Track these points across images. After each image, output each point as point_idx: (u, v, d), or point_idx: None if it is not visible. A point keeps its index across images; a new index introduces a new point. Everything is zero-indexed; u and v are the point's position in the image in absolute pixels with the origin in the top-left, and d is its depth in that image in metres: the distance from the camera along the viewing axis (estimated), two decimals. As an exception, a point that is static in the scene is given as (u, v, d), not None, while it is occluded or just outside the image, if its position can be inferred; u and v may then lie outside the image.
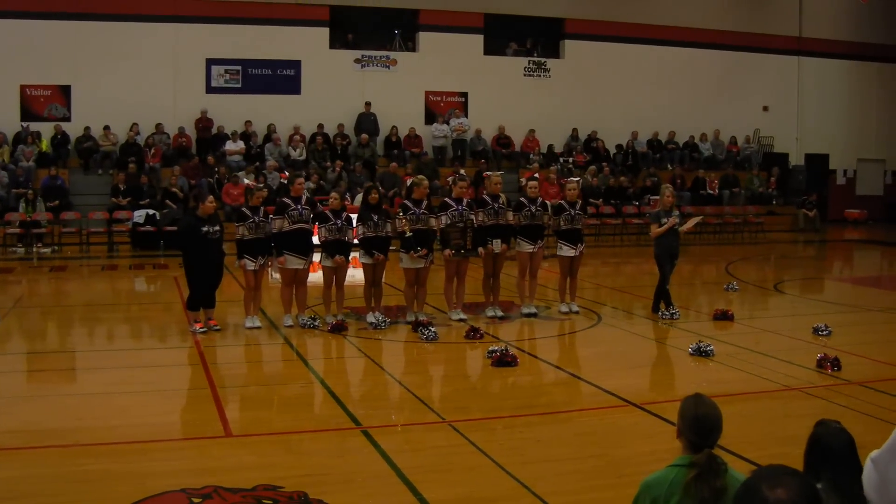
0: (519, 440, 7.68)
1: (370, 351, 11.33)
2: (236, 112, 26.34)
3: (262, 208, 12.43)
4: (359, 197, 18.38)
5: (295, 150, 26.32)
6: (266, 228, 12.25)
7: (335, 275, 12.56)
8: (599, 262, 21.85)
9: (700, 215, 14.00)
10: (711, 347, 10.74)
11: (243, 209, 12.49)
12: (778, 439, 7.50)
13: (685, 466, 3.80)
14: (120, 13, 25.53)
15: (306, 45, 27.44)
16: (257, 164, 25.24)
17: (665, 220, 13.29)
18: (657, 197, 16.00)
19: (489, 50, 29.70)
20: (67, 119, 25.47)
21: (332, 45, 28.12)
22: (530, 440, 7.68)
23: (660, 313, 13.32)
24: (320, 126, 26.95)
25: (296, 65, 27.53)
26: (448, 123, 28.39)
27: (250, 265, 12.21)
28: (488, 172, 14.43)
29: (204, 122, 26.22)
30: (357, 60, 28.19)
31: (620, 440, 7.79)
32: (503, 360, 10.26)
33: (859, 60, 33.68)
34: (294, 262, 12.34)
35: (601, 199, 26.85)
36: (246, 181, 15.30)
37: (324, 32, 27.82)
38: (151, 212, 23.08)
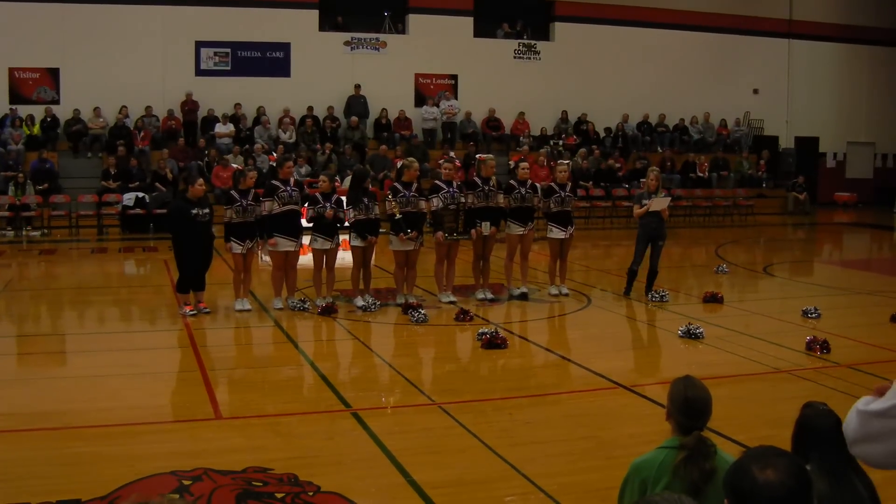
0: (509, 422, 7.69)
1: (360, 333, 11.33)
2: (226, 94, 26.24)
3: (252, 191, 12.40)
4: (347, 179, 18.33)
5: (285, 133, 26.25)
6: (255, 212, 12.23)
7: (325, 257, 12.56)
8: (589, 244, 21.87)
9: (669, 197, 14.06)
10: (701, 330, 10.77)
11: (232, 192, 12.44)
12: (767, 421, 7.53)
13: (674, 449, 3.81)
14: (109, -5, 25.42)
15: (296, 27, 27.32)
16: (247, 146, 25.17)
17: (645, 201, 13.35)
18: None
19: (479, 32, 29.62)
20: (56, 102, 25.34)
21: (322, 28, 28.02)
22: (520, 422, 7.70)
23: (649, 296, 13.35)
24: (310, 108, 26.89)
25: (285, 47, 27.42)
26: (438, 106, 28.32)
27: (237, 248, 12.19)
28: (482, 155, 14.40)
29: (189, 105, 26.10)
30: (347, 43, 28.09)
31: (610, 422, 7.81)
32: (493, 343, 10.27)
33: (849, 43, 33.68)
34: (284, 245, 12.33)
35: (591, 182, 26.87)
36: (234, 165, 15.26)
37: (313, 15, 27.71)
38: (141, 195, 23.01)
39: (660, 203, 13.43)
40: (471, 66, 29.03)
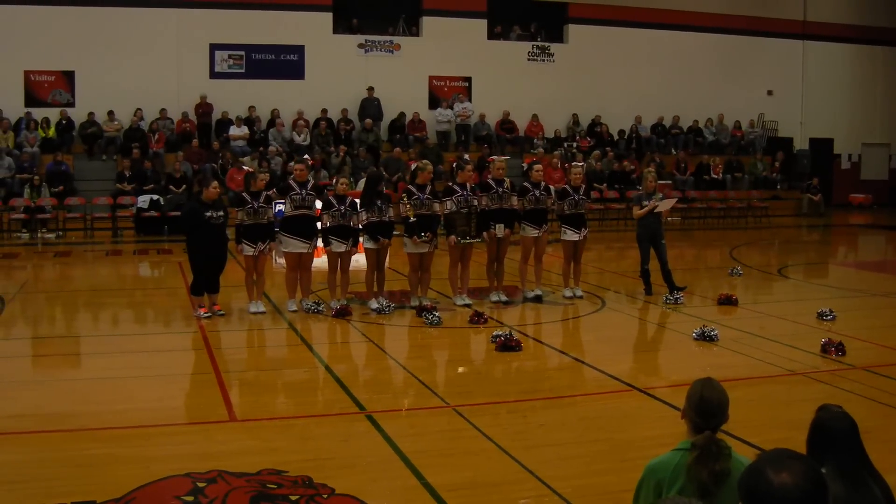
0: (523, 424, 7.68)
1: (374, 336, 11.33)
2: (240, 97, 26.32)
3: (264, 193, 12.41)
4: (361, 182, 18.36)
5: (299, 136, 26.30)
6: (266, 214, 12.24)
7: (340, 260, 12.57)
8: (603, 246, 21.84)
9: (674, 198, 14.27)
10: (715, 332, 10.73)
11: (243, 194, 12.47)
12: (782, 424, 7.50)
13: (689, 450, 3.79)
14: (124, -2, 25.55)
15: (310, 30, 27.37)
16: (261, 148, 25.23)
17: (646, 202, 13.51)
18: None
19: (493, 34, 29.64)
20: (71, 105, 25.44)
21: (336, 30, 28.06)
22: (534, 424, 7.69)
23: (664, 297, 13.33)
24: (324, 111, 26.93)
25: (299, 50, 27.47)
26: (452, 108, 28.33)
27: (249, 250, 12.20)
28: (493, 157, 14.41)
29: (203, 108, 26.18)
30: (360, 45, 28.12)
31: (624, 424, 7.80)
32: (507, 345, 10.26)
33: (864, 44, 33.56)
34: (297, 247, 12.34)
35: (605, 184, 26.84)
36: (245, 167, 15.28)
37: (327, 17, 27.75)
38: (155, 197, 23.11)
39: (666, 204, 13.68)
40: (485, 69, 29.02)
